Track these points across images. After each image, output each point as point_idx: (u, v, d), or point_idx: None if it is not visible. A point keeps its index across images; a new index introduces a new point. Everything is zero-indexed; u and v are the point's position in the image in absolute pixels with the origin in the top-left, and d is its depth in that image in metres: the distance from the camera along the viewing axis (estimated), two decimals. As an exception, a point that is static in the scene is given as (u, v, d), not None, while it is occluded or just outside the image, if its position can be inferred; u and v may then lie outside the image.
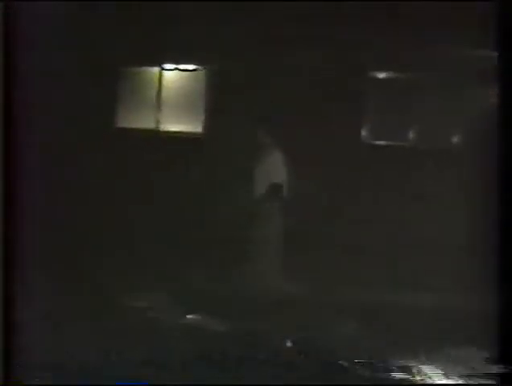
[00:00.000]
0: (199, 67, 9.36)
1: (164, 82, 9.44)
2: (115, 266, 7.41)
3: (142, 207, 8.73)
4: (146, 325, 5.96)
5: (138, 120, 9.40)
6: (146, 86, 9.47)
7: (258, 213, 7.32)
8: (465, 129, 8.95)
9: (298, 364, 5.10)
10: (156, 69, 9.45)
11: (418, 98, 9.02)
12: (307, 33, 8.66)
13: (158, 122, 9.39)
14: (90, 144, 8.78)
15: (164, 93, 9.42)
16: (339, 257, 7.89)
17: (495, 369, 4.95)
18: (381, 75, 9.18)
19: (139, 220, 8.60)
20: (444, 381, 5.04)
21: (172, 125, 9.40)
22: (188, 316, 6.33)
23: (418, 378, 5.07)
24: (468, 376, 5.08)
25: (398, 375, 5.07)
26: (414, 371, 5.16)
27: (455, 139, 9.07)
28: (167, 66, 9.41)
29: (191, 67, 9.39)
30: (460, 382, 5.03)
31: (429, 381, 5.03)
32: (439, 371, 5.16)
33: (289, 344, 5.55)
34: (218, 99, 9.18)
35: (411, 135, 9.13)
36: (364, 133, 9.18)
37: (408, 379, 5.05)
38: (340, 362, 5.12)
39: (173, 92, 9.43)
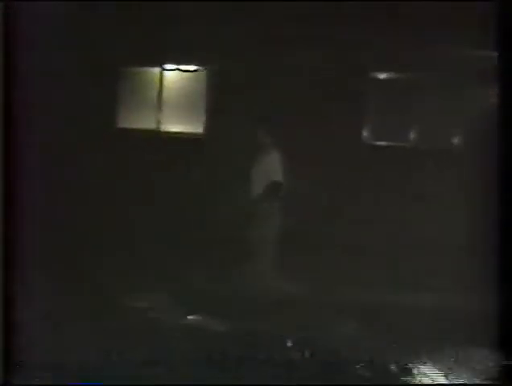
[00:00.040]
0: (199, 67, 9.36)
1: (164, 82, 9.44)
2: (115, 266, 7.41)
3: (143, 207, 8.73)
4: (147, 325, 5.95)
5: (137, 120, 9.41)
6: (145, 86, 9.47)
7: (258, 213, 7.30)
8: (465, 129, 8.95)
9: (298, 364, 5.10)
10: (156, 69, 9.45)
11: (418, 98, 9.02)
12: (307, 33, 8.66)
13: (157, 122, 9.40)
14: (90, 144, 8.78)
15: (164, 93, 9.42)
16: (339, 257, 7.89)
17: (495, 369, 4.95)
18: (381, 75, 9.18)
19: (139, 220, 8.60)
20: (445, 381, 5.04)
21: (172, 126, 9.40)
22: (189, 316, 6.33)
23: (418, 378, 5.07)
24: (469, 376, 5.09)
25: (399, 376, 5.07)
26: (415, 371, 5.16)
27: (455, 139, 9.08)
28: (167, 66, 9.42)
29: (191, 67, 9.40)
30: (461, 382, 5.03)
31: (429, 381, 5.03)
32: (440, 371, 5.17)
33: (289, 344, 5.54)
34: (218, 99, 9.18)
35: (411, 135, 9.13)
36: (364, 133, 9.19)
37: (408, 379, 5.05)
38: (340, 362, 5.12)
39: (173, 92, 9.43)
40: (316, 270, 7.65)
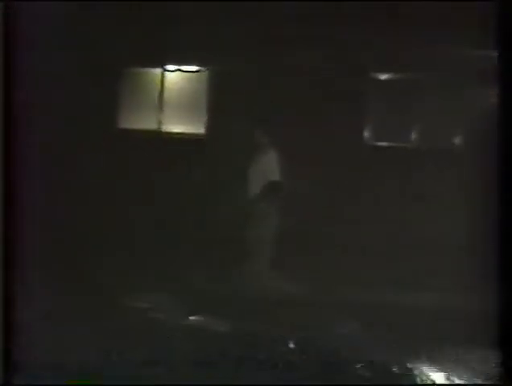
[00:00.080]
0: (198, 67, 9.36)
1: (163, 82, 9.44)
2: (115, 266, 7.41)
3: (143, 207, 8.73)
4: (147, 325, 5.95)
5: (136, 120, 9.41)
6: (144, 86, 9.47)
7: (258, 213, 7.31)
8: (465, 129, 8.95)
9: (298, 364, 5.10)
10: (155, 69, 9.45)
11: (418, 98, 9.02)
12: (307, 33, 8.66)
13: (156, 122, 9.40)
14: (90, 144, 8.77)
15: (163, 93, 9.42)
16: (339, 257, 7.89)
17: (495, 369, 4.94)
18: (381, 75, 9.17)
19: (139, 220, 8.60)
20: (445, 381, 5.04)
21: (171, 126, 9.40)
22: (189, 316, 6.33)
23: (418, 378, 5.07)
24: (469, 376, 5.09)
25: (398, 376, 5.07)
26: (415, 371, 5.16)
27: (455, 139, 9.07)
28: (166, 66, 9.42)
29: (190, 67, 9.39)
30: (461, 382, 5.03)
31: (429, 381, 5.03)
32: (440, 371, 5.16)
33: (290, 345, 5.54)
34: (218, 99, 9.18)
35: (411, 135, 9.13)
36: (364, 132, 9.18)
37: (408, 379, 5.05)
38: (340, 362, 5.11)
39: (172, 92, 9.43)
40: (316, 270, 7.65)
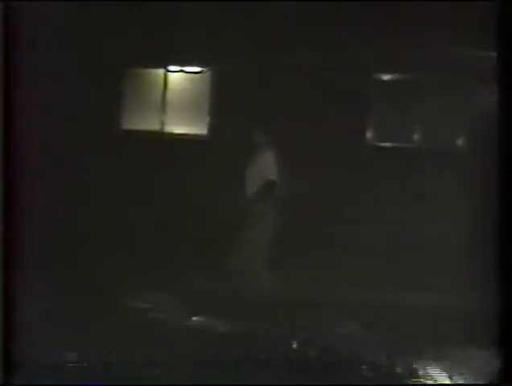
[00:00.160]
0: (198, 67, 9.36)
1: (163, 82, 9.44)
2: (115, 266, 7.41)
3: (143, 207, 8.73)
4: (147, 325, 5.96)
5: (135, 120, 9.41)
6: (144, 86, 9.47)
7: (259, 213, 7.31)
8: (465, 129, 8.95)
9: (298, 364, 5.10)
10: (155, 70, 9.45)
11: (418, 98, 9.02)
12: (307, 33, 8.66)
13: (156, 122, 9.40)
14: (90, 144, 8.78)
15: (163, 93, 9.42)
16: (339, 257, 7.89)
17: (495, 369, 4.94)
18: (382, 75, 9.17)
19: (140, 220, 8.60)
20: (445, 381, 5.04)
21: (171, 126, 9.40)
22: (189, 316, 6.33)
23: (418, 378, 5.07)
24: (469, 376, 5.08)
25: (399, 376, 5.07)
26: (415, 371, 5.16)
27: (455, 139, 9.07)
28: (166, 66, 9.42)
29: (190, 67, 9.39)
30: (461, 382, 5.03)
31: (429, 381, 5.03)
32: (440, 371, 5.16)
33: (290, 345, 5.54)
34: (218, 99, 9.18)
35: (411, 135, 9.13)
36: (363, 133, 9.18)
37: (409, 379, 5.05)
38: (340, 362, 5.11)
39: (172, 93, 9.43)
40: (316, 270, 7.65)
